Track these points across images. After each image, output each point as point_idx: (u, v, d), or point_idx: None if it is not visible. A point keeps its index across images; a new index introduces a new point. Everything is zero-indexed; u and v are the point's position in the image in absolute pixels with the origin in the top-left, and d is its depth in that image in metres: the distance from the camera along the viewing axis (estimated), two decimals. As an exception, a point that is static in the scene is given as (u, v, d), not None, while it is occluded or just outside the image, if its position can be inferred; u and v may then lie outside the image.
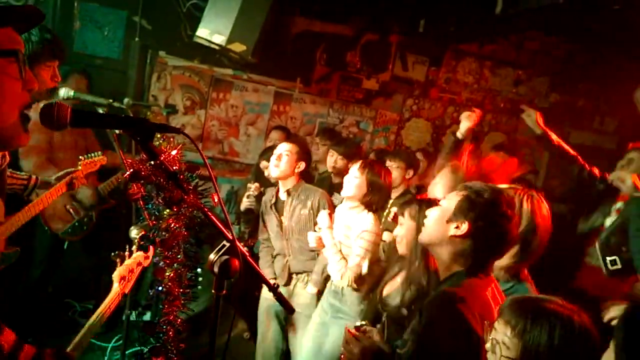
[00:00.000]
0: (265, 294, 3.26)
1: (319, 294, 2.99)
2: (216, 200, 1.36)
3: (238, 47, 3.67)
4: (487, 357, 1.33)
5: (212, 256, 1.25)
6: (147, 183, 1.35)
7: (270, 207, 3.19)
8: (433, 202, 2.11)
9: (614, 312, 2.29)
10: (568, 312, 1.23)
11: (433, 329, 1.52)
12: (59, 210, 3.24)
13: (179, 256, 1.61)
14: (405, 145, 5.22)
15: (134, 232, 1.99)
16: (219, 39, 3.61)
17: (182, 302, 1.72)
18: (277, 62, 4.57)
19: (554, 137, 3.02)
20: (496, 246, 1.62)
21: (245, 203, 3.48)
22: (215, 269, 1.23)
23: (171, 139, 1.67)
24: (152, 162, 1.18)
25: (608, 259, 2.60)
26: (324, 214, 2.82)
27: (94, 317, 1.57)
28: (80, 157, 2.53)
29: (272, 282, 1.47)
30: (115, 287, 1.69)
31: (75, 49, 4.09)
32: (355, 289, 2.66)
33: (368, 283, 2.61)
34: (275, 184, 3.23)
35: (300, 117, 4.89)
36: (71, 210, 3.25)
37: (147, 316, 3.62)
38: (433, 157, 4.16)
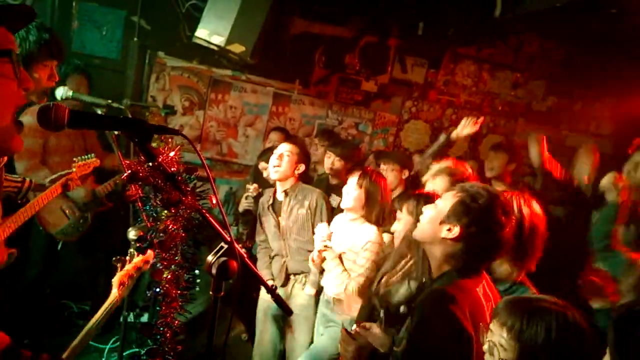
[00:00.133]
0: (264, 295, 3.25)
1: (317, 295, 2.99)
2: (214, 201, 1.36)
3: (237, 48, 3.66)
4: (485, 359, 1.33)
5: (210, 258, 1.25)
6: (145, 184, 1.35)
7: (268, 207, 3.18)
8: (431, 197, 2.11)
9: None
10: (561, 309, 1.25)
11: (424, 327, 1.53)
12: (54, 210, 3.23)
13: (176, 258, 1.61)
14: (404, 147, 5.23)
15: (132, 234, 1.98)
16: (218, 40, 3.61)
17: (180, 303, 1.71)
18: (276, 63, 4.57)
19: (554, 173, 3.00)
20: (488, 251, 1.63)
21: (243, 204, 3.48)
22: (213, 271, 1.23)
23: (169, 140, 1.67)
24: (150, 164, 1.18)
25: None
26: (323, 226, 2.80)
27: (91, 322, 1.56)
28: (75, 158, 2.53)
29: (269, 283, 1.46)
30: (114, 292, 1.68)
31: (73, 48, 4.07)
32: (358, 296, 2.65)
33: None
34: (273, 186, 3.22)
35: (299, 119, 4.89)
36: (66, 211, 3.24)
37: (145, 318, 3.60)
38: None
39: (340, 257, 2.74)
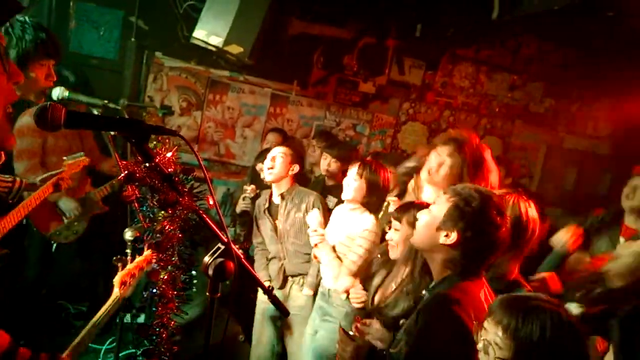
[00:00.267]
0: (261, 296, 3.25)
1: (315, 296, 2.99)
2: (211, 202, 1.36)
3: (235, 49, 3.66)
4: (480, 358, 1.34)
5: (206, 259, 1.25)
6: (142, 185, 1.35)
7: (264, 211, 3.18)
8: None
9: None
10: (555, 307, 1.27)
11: (430, 332, 1.53)
12: (49, 212, 3.23)
13: (173, 258, 1.61)
14: (401, 149, 5.23)
15: (129, 234, 1.98)
16: (216, 41, 3.61)
17: (176, 304, 1.71)
18: (274, 64, 4.56)
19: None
20: (486, 253, 1.63)
21: (241, 205, 3.48)
22: (210, 272, 1.23)
23: (167, 141, 1.66)
24: (147, 164, 1.17)
25: None
26: (314, 213, 2.80)
27: (93, 320, 1.56)
28: (64, 157, 2.53)
29: (266, 284, 1.46)
30: (116, 292, 1.68)
31: (71, 48, 4.07)
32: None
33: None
34: (270, 187, 3.22)
35: (296, 120, 4.89)
36: (62, 214, 3.25)
37: (141, 318, 3.60)
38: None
39: (334, 247, 2.75)
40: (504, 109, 5.43)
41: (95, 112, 2.36)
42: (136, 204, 1.65)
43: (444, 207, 1.65)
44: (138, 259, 1.80)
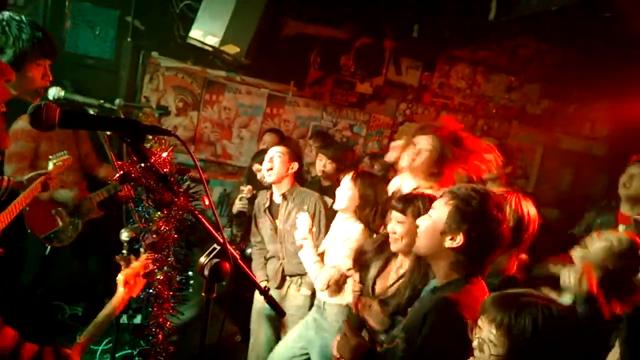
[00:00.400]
0: (258, 296, 3.25)
1: (313, 296, 2.99)
2: (207, 202, 1.35)
3: (232, 49, 3.65)
4: (475, 355, 1.34)
5: (202, 259, 1.24)
6: (137, 185, 1.34)
7: (264, 210, 3.18)
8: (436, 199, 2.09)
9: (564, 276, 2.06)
10: (545, 302, 1.29)
11: (437, 335, 1.54)
12: (44, 215, 3.22)
13: (169, 259, 1.60)
14: (398, 149, 5.24)
15: (124, 235, 1.97)
16: (213, 41, 3.60)
17: (172, 305, 1.70)
18: (271, 64, 4.56)
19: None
20: (490, 250, 1.65)
21: (237, 206, 3.47)
22: (206, 272, 1.23)
23: (163, 141, 1.65)
24: (143, 165, 1.17)
25: None
26: (304, 216, 2.78)
27: (95, 321, 1.56)
28: (50, 156, 2.54)
29: (263, 285, 1.46)
30: (120, 291, 1.67)
31: (66, 48, 4.05)
32: (330, 295, 2.66)
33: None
34: (268, 187, 3.21)
35: (293, 120, 4.89)
36: (57, 217, 3.24)
37: (138, 319, 3.58)
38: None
39: (323, 253, 2.77)
40: (500, 110, 5.44)
41: (91, 112, 2.35)
42: (132, 204, 1.64)
43: (444, 210, 1.65)
44: (143, 256, 1.76)
